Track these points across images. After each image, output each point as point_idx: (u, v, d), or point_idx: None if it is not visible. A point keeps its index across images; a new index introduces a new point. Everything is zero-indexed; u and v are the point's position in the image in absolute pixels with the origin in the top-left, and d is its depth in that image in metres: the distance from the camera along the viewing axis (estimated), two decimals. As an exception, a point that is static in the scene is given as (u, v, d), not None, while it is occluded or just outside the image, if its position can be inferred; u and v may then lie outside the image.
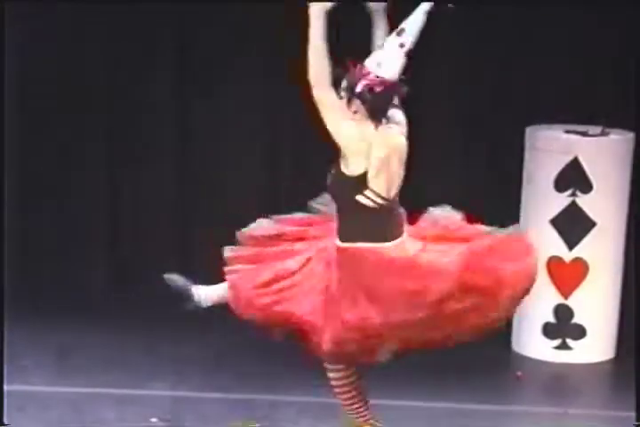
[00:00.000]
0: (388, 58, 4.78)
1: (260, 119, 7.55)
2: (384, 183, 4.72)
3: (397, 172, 4.75)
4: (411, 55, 4.76)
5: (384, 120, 4.81)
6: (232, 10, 7.35)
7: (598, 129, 6.58)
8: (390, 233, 4.78)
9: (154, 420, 5.73)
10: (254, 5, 7.21)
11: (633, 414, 5.82)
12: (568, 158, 6.49)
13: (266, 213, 5.18)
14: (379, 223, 4.79)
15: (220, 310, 6.76)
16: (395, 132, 4.80)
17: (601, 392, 6.60)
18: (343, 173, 4.75)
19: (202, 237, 7.33)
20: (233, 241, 5.32)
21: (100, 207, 7.62)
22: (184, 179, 7.57)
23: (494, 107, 6.95)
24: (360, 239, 4.78)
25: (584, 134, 6.58)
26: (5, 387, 5.89)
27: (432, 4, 4.78)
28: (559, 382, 6.55)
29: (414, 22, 4.78)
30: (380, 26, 4.95)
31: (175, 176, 7.59)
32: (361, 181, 4.73)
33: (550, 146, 6.57)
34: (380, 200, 4.73)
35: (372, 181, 4.70)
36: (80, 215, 7.58)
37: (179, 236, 7.50)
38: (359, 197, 4.75)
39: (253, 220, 5.45)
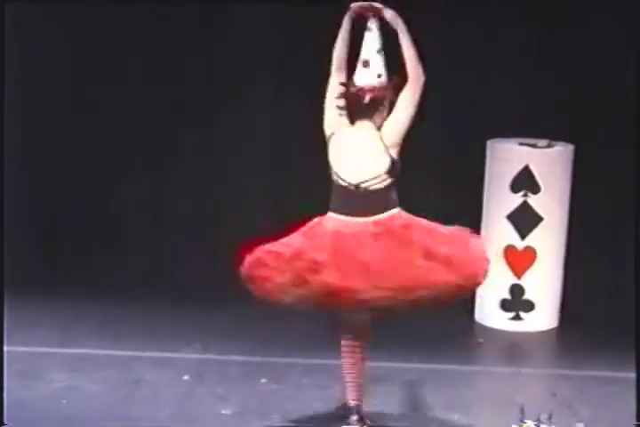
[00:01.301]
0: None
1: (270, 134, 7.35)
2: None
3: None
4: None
5: None
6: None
7: (545, 142, 6.56)
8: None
9: (186, 378, 5.71)
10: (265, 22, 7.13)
11: (573, 372, 6.00)
12: (521, 166, 6.49)
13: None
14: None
15: (242, 284, 6.84)
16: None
17: (547, 355, 6.62)
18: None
19: (221, 230, 7.29)
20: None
21: (141, 203, 7.44)
22: (206, 182, 7.41)
23: (461, 124, 6.93)
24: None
25: (534, 146, 6.55)
26: (65, 350, 6.08)
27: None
28: (513, 347, 6.54)
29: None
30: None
31: (199, 178, 7.44)
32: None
33: (506, 156, 6.57)
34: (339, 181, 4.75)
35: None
36: (124, 211, 7.44)
37: (203, 229, 7.38)
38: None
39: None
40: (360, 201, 4.67)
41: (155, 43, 7.27)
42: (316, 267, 4.59)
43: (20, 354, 5.93)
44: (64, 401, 5.37)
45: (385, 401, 5.31)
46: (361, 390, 4.95)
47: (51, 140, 7.37)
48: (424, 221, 4.79)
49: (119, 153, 7.43)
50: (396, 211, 4.72)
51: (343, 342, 4.91)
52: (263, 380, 5.72)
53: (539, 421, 4.75)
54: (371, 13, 4.67)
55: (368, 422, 4.88)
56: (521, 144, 6.61)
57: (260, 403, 5.41)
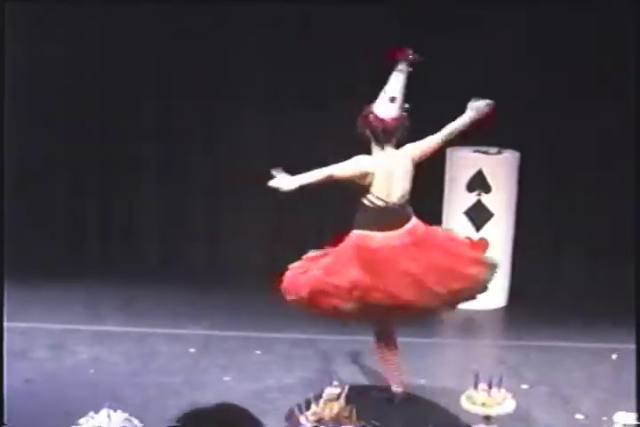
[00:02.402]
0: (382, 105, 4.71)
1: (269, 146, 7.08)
2: (384, 190, 4.63)
3: (399, 182, 4.66)
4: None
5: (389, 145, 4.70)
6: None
7: (495, 150, 6.58)
8: (378, 226, 4.63)
9: (192, 350, 5.72)
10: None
11: (519, 342, 5.99)
12: (475, 170, 6.50)
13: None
14: (371, 217, 4.66)
15: (241, 271, 6.78)
16: (399, 153, 4.73)
17: (497, 329, 6.66)
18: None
19: (222, 227, 7.22)
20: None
21: (154, 204, 7.27)
22: (210, 185, 7.22)
23: (425, 134, 6.84)
24: (360, 228, 4.66)
25: (486, 153, 6.56)
26: (89, 327, 6.03)
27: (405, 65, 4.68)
28: (468, 323, 6.47)
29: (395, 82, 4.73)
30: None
31: (204, 181, 7.23)
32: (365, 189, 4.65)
33: (463, 161, 6.56)
34: (378, 202, 4.64)
35: (374, 188, 4.62)
36: (140, 211, 7.27)
37: (207, 225, 7.25)
38: (363, 199, 4.68)
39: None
40: (396, 215, 4.69)
41: (153, 43, 6.94)
42: (373, 292, 4.55)
43: (50, 330, 5.97)
44: (91, 370, 5.40)
45: (361, 369, 5.31)
46: (399, 375, 4.95)
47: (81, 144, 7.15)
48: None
49: (133, 157, 7.21)
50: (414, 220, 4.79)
51: (376, 344, 4.90)
52: (258, 352, 5.74)
53: (491, 384, 4.79)
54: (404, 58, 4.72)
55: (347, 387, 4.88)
56: (475, 151, 6.62)
57: (255, 371, 5.43)
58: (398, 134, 4.75)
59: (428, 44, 6.52)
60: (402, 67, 4.71)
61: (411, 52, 4.72)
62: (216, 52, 7.01)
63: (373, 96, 4.75)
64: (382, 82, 4.73)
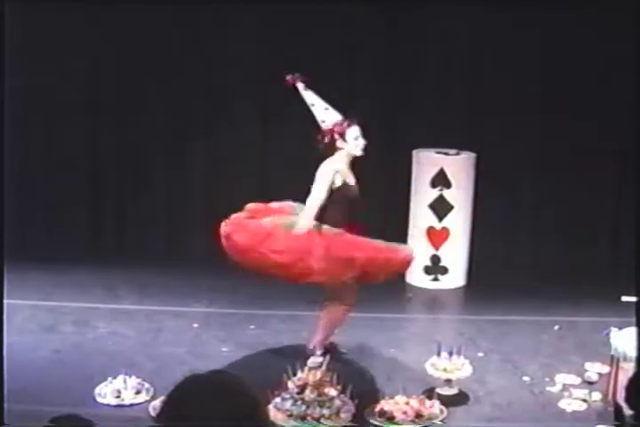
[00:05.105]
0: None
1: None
2: None
3: None
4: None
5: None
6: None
7: (454, 151, 6.54)
8: None
9: (195, 325, 5.71)
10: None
11: (476, 317, 5.94)
12: (437, 168, 6.48)
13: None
14: None
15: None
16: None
17: (457, 305, 6.59)
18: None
19: (218, 220, 7.13)
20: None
21: (160, 203, 7.14)
22: (207, 186, 7.05)
23: (395, 139, 6.81)
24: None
25: (446, 154, 6.53)
26: (107, 306, 5.97)
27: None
28: (433, 300, 6.49)
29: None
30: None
31: (202, 182, 7.06)
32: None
33: (427, 161, 6.54)
34: None
35: None
36: (149, 209, 7.13)
37: (206, 219, 6.72)
38: None
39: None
40: None
41: (152, 43, 6.69)
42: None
43: (75, 308, 5.96)
44: (109, 342, 5.42)
45: (340, 340, 5.26)
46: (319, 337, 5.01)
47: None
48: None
49: (142, 158, 7.06)
50: None
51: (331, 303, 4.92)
52: (252, 326, 5.74)
53: (451, 352, 4.83)
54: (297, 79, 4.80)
55: (328, 357, 4.86)
56: (437, 152, 6.59)
57: (249, 343, 5.43)
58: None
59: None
60: (301, 86, 4.76)
61: (298, 76, 4.77)
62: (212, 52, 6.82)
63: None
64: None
